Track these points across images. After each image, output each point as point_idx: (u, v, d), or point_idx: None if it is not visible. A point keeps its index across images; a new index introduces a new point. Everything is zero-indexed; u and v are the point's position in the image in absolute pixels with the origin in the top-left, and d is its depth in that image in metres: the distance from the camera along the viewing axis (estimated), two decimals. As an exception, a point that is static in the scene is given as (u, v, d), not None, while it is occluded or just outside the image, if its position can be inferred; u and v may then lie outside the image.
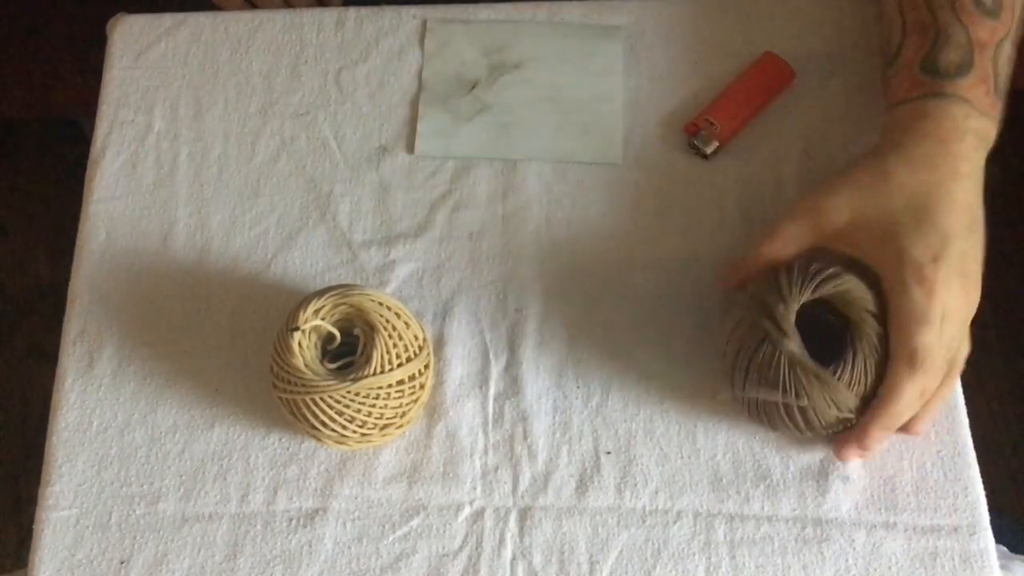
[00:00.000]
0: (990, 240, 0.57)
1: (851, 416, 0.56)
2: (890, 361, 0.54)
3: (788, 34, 0.72)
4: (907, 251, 0.54)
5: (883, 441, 0.57)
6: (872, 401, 0.55)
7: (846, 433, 0.57)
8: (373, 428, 0.58)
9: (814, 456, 0.61)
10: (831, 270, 0.56)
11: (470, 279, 0.67)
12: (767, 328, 0.55)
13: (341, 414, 0.56)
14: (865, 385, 0.55)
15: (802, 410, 0.56)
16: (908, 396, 0.54)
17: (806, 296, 0.56)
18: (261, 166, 0.71)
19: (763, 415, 0.58)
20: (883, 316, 0.55)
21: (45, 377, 0.67)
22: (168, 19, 0.76)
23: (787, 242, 0.58)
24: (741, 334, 0.57)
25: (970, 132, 0.56)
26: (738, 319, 0.58)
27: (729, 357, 0.58)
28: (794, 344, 0.55)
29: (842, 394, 0.55)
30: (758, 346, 0.56)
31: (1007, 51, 0.60)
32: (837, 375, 0.55)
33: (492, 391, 0.63)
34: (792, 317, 0.55)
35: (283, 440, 0.63)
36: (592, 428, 0.62)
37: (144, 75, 0.74)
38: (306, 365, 0.57)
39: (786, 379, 0.55)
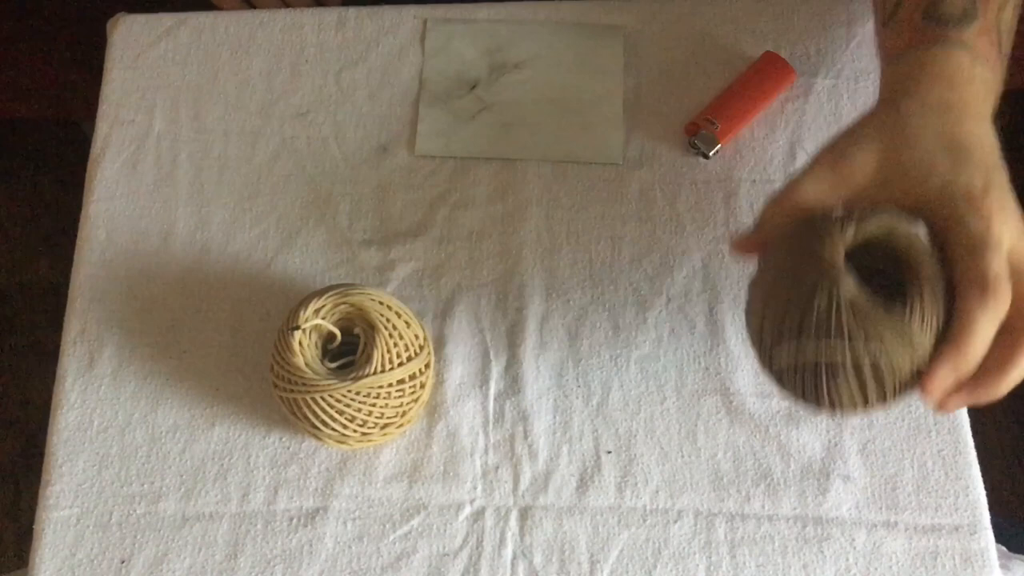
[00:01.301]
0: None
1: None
2: (958, 297, 0.48)
3: (788, 34, 0.72)
4: (954, 184, 0.50)
5: (954, 389, 0.50)
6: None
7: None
8: (373, 427, 0.58)
9: (815, 455, 0.61)
10: (870, 207, 0.50)
11: (470, 279, 0.67)
12: (820, 273, 0.47)
13: (341, 413, 0.56)
14: (936, 329, 0.47)
15: (874, 366, 0.47)
16: (984, 329, 0.48)
17: (850, 234, 0.48)
18: (261, 166, 0.71)
19: (821, 386, 0.49)
20: (937, 255, 0.49)
21: (45, 377, 0.67)
22: (168, 19, 0.76)
23: (811, 191, 0.52)
24: (782, 293, 0.49)
25: (977, 78, 0.53)
26: (772, 280, 0.50)
27: (769, 328, 0.50)
28: (853, 285, 0.47)
29: (918, 336, 0.47)
30: (809, 299, 0.47)
31: (1009, 13, 0.57)
32: (907, 318, 0.47)
33: (492, 391, 0.63)
34: (842, 257, 0.48)
35: (283, 440, 0.63)
36: (592, 427, 0.62)
37: (144, 75, 0.74)
38: (307, 364, 0.57)
39: (851, 327, 0.47)
